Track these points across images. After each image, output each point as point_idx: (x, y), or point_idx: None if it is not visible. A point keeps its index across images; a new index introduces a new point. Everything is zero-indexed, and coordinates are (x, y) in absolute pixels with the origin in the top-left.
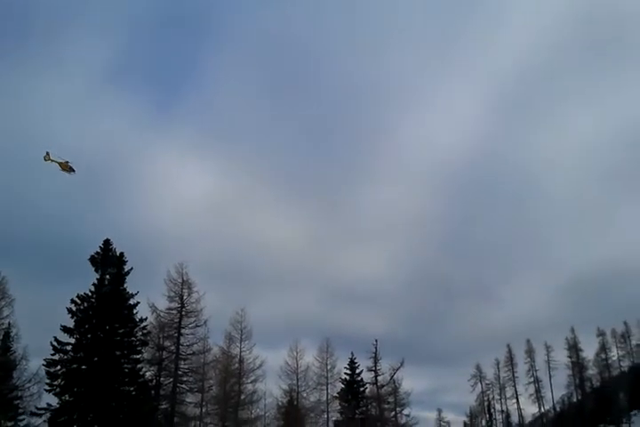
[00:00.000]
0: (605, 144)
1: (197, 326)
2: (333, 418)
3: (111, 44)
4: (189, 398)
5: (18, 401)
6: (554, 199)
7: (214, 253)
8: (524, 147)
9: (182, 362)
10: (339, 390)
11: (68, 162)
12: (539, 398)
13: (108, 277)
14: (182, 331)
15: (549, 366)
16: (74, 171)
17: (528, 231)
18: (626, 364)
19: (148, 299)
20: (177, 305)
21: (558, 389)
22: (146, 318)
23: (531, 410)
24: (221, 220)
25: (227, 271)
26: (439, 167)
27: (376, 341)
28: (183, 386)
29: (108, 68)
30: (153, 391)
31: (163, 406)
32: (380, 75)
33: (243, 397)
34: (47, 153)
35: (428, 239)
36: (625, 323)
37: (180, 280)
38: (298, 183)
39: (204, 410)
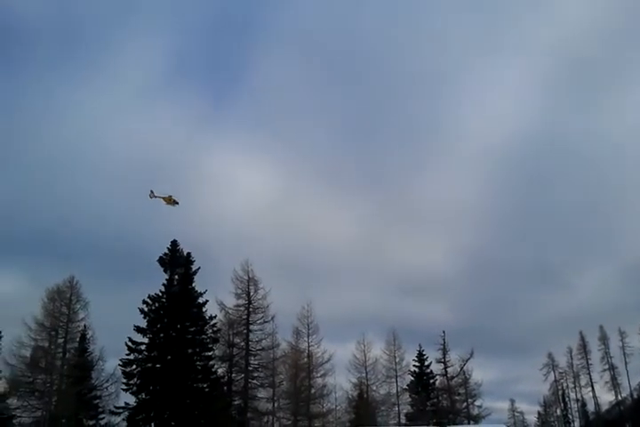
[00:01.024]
0: None
1: (265, 321)
2: (404, 411)
3: (164, 48)
4: (261, 393)
5: (97, 400)
6: (622, 184)
7: (277, 251)
8: (590, 130)
9: (252, 358)
10: (408, 382)
11: (171, 196)
12: (615, 385)
13: (176, 277)
14: (251, 327)
15: (624, 353)
16: (177, 203)
17: (597, 214)
18: None
19: (216, 297)
20: (244, 302)
21: (635, 375)
22: (215, 316)
23: (607, 398)
24: (280, 217)
25: (290, 268)
26: (498, 152)
27: (444, 332)
28: (254, 382)
29: (163, 71)
30: (225, 388)
31: (235, 402)
32: (432, 59)
33: (313, 391)
34: (151, 191)
35: (489, 225)
36: None
37: (246, 277)
38: (353, 176)
39: (275, 405)
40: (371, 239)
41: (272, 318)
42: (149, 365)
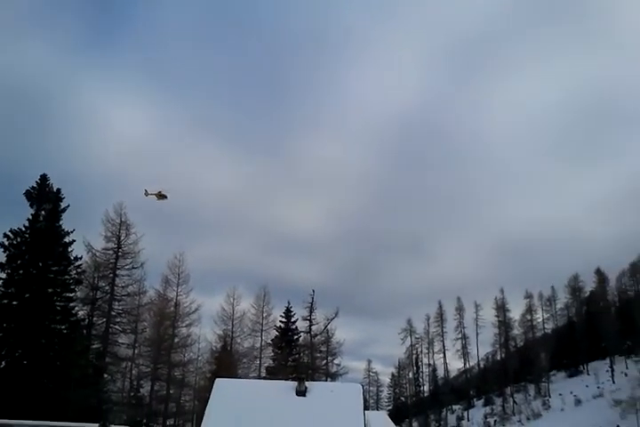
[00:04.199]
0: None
1: (134, 267)
2: (266, 364)
3: None
4: (122, 339)
5: None
6: (496, 162)
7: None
8: (474, 108)
9: (116, 303)
10: (273, 337)
11: (160, 191)
12: (465, 354)
13: (43, 213)
14: (118, 272)
15: (477, 324)
16: (166, 197)
17: (466, 192)
18: (549, 326)
19: (85, 238)
20: (114, 246)
21: (484, 346)
22: (81, 257)
23: (456, 365)
24: (161, 163)
25: (166, 215)
26: (383, 124)
27: (313, 291)
28: (116, 327)
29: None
30: (85, 331)
31: (94, 346)
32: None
33: (176, 340)
34: (145, 190)
35: (367, 194)
36: (552, 287)
37: (118, 221)
38: (242, 131)
39: (136, 351)
40: (254, 196)
41: (141, 265)
42: (5, 301)
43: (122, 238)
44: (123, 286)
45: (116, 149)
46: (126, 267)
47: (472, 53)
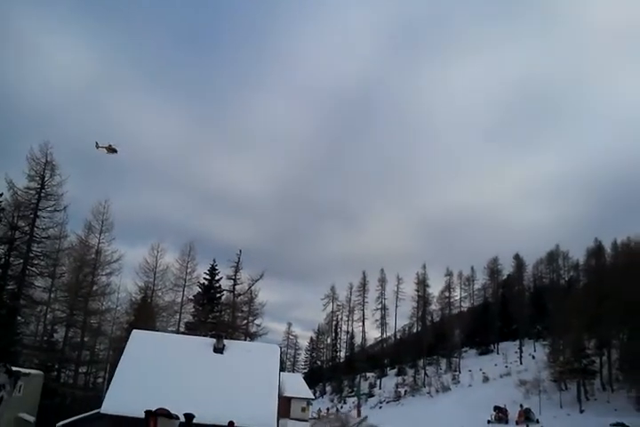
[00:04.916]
0: (491, 96)
1: (56, 210)
2: (185, 320)
3: None
4: (39, 282)
5: None
6: (441, 143)
7: (84, 139)
8: (415, 85)
9: (35, 245)
10: (195, 293)
11: (110, 144)
12: (383, 324)
13: None
14: (39, 213)
15: (397, 297)
16: (116, 151)
17: (398, 167)
18: (466, 305)
19: (7, 175)
20: (36, 186)
21: (402, 318)
22: (1, 194)
23: (374, 334)
24: (92, 106)
25: (93, 160)
26: (327, 90)
27: (240, 251)
28: (33, 269)
29: None
30: (0, 270)
31: (9, 287)
32: None
33: (95, 288)
34: (96, 142)
35: (305, 160)
36: (472, 268)
37: (43, 160)
38: (182, 82)
39: (52, 296)
40: (189, 149)
41: (65, 208)
42: None
43: (46, 179)
44: (43, 229)
45: (50, 86)
46: (48, 209)
47: (433, 28)
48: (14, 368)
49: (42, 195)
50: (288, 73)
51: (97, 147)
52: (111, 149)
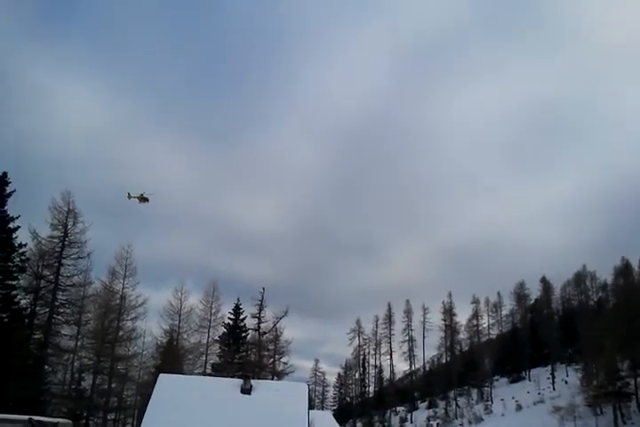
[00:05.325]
0: (506, 117)
1: (80, 257)
2: (212, 361)
3: None
4: (65, 330)
5: None
6: (449, 168)
7: (103, 185)
8: (427, 112)
9: (60, 293)
10: (220, 334)
11: (142, 194)
12: (411, 356)
13: None
14: (63, 261)
15: (424, 327)
16: (147, 200)
17: (418, 196)
18: (494, 332)
19: (30, 225)
20: (60, 234)
21: (430, 349)
22: (25, 244)
23: (402, 367)
24: (115, 150)
25: (115, 206)
26: (338, 122)
27: (263, 289)
28: (59, 317)
29: None
30: (27, 320)
31: (36, 337)
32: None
33: (121, 333)
34: (128, 193)
35: (321, 193)
36: (498, 294)
37: (65, 209)
38: (199, 123)
39: (79, 343)
40: (206, 189)
41: (88, 255)
42: None
43: (69, 227)
44: (68, 276)
45: (69, 134)
46: (72, 256)
47: (438, 57)
48: (43, 418)
49: (65, 243)
50: (300, 107)
51: (129, 197)
52: (143, 199)
